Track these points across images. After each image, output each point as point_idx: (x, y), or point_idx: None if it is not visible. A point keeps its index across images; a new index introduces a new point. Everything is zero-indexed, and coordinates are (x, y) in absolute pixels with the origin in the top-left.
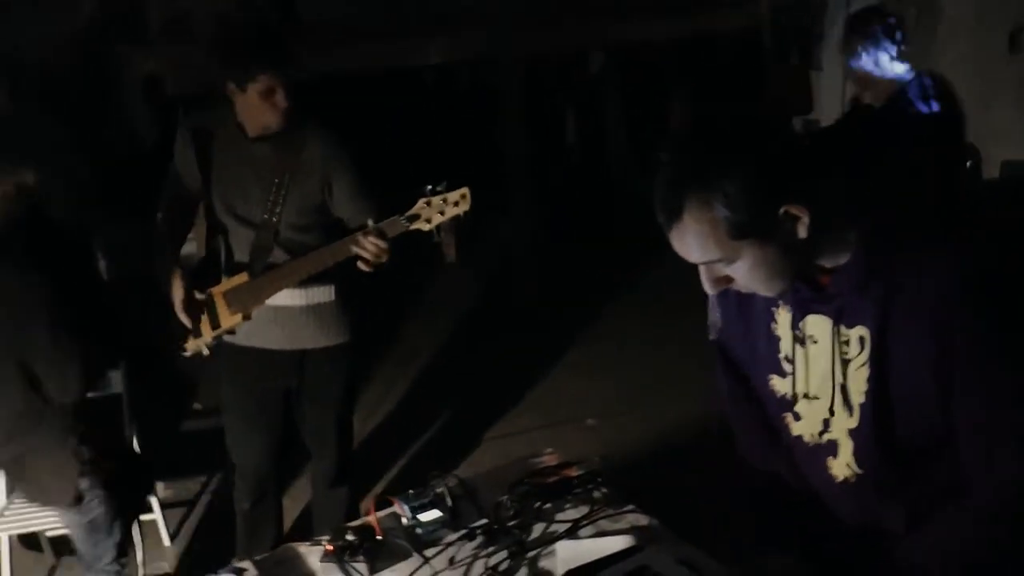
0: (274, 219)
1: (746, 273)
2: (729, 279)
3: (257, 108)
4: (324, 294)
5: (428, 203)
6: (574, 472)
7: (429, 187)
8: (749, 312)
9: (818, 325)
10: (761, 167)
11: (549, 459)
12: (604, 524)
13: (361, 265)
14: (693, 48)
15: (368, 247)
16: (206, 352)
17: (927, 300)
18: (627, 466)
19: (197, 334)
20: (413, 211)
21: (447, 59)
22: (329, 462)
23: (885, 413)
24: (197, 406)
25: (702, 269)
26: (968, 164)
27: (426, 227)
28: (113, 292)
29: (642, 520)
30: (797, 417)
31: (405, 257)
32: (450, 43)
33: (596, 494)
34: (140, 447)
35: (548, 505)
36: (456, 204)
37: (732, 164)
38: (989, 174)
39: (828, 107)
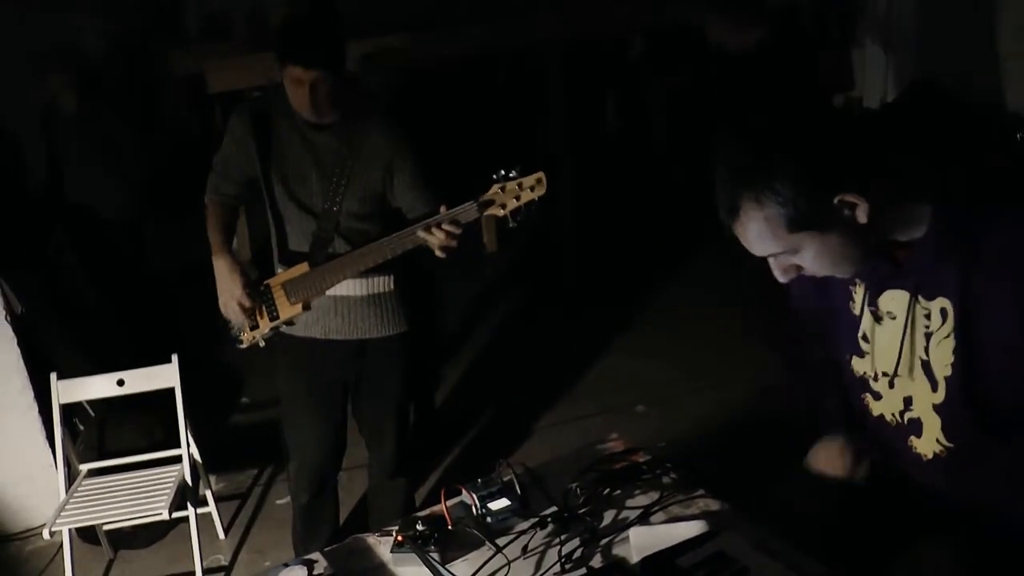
0: (335, 208)
1: (812, 261)
2: (798, 267)
3: (291, 94)
4: (383, 284)
5: (502, 188)
6: (641, 458)
7: (502, 172)
8: (830, 292)
9: (895, 300)
10: (807, 161)
11: (615, 445)
12: (676, 509)
13: (437, 252)
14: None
15: (440, 235)
16: (262, 344)
17: (1010, 265)
18: (685, 452)
19: (254, 326)
20: (487, 197)
21: (486, 49)
22: (387, 453)
23: (974, 384)
24: (245, 400)
25: (771, 261)
26: (1019, 136)
27: (500, 213)
28: (163, 285)
29: (713, 505)
30: (877, 397)
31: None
32: (488, 32)
33: (665, 479)
34: (193, 441)
35: (618, 491)
36: (532, 189)
37: (777, 162)
38: None
39: (870, 84)
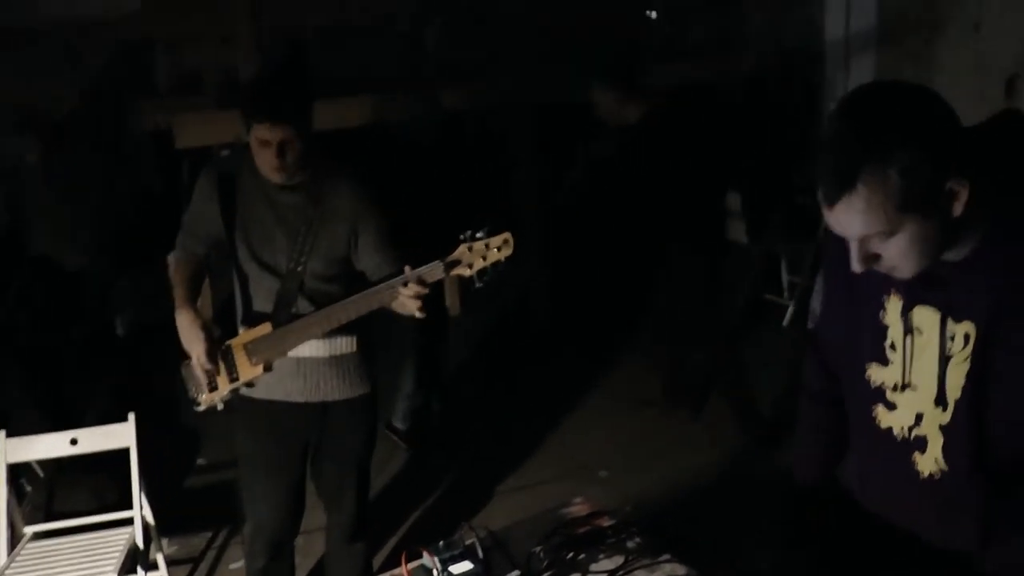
0: (299, 268)
1: (902, 248)
2: (878, 257)
3: (257, 156)
4: (346, 345)
5: (469, 248)
6: (606, 521)
7: (469, 232)
8: (859, 300)
9: (926, 317)
10: (934, 138)
11: (579, 509)
12: (641, 574)
13: (403, 312)
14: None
15: (406, 295)
16: (220, 407)
17: None
18: (650, 515)
19: (213, 387)
20: (453, 256)
21: (457, 109)
22: (347, 517)
23: (981, 411)
24: (201, 462)
25: (854, 246)
26: None
27: (467, 273)
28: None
29: (679, 570)
30: (892, 407)
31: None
32: (460, 93)
33: (630, 544)
34: (147, 502)
35: (582, 556)
36: (499, 249)
37: (910, 134)
38: None
39: None
